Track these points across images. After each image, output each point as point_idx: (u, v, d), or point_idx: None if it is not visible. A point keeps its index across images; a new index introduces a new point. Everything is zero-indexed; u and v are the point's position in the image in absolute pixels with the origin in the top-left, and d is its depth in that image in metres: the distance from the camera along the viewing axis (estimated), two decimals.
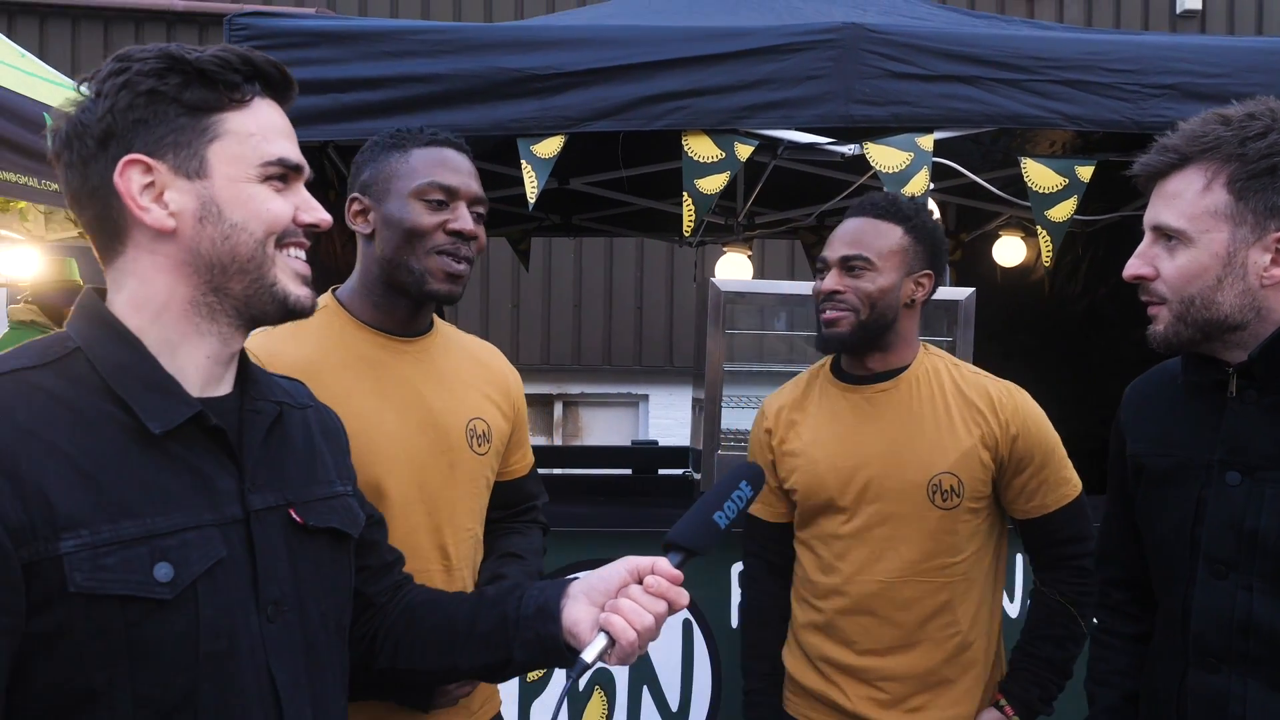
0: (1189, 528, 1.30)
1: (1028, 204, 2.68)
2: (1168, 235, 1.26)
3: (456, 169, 1.51)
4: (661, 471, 4.69)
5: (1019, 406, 1.76)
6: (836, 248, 1.78)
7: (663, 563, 1.11)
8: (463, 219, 1.49)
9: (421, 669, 1.21)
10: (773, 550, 1.92)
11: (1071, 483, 1.79)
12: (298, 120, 2.68)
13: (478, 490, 1.57)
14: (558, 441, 8.03)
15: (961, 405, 1.76)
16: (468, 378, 1.60)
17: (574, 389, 8.09)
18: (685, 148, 2.58)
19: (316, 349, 1.48)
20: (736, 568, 2.65)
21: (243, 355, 1.07)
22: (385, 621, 1.22)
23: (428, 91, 2.49)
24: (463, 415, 1.55)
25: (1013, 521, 1.83)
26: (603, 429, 8.26)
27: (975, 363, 1.91)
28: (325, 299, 1.54)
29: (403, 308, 1.52)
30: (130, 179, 0.95)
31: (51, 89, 3.69)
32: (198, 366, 1.00)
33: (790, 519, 1.89)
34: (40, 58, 5.04)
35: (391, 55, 2.48)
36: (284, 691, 0.99)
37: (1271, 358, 1.24)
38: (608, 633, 1.06)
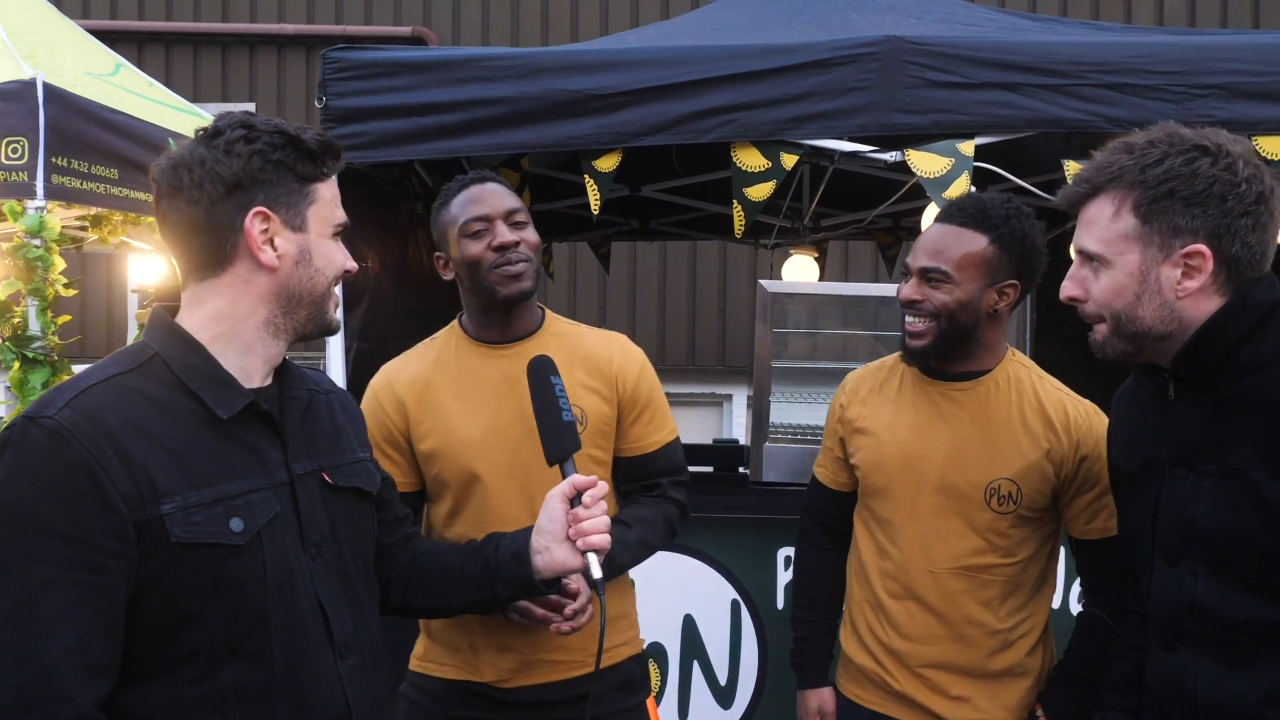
0: (1150, 521, 1.41)
1: None
2: (1090, 258, 1.37)
3: (482, 199, 1.79)
4: (742, 469, 4.86)
5: (1094, 429, 1.76)
6: (918, 256, 1.80)
7: (578, 479, 1.44)
8: (499, 234, 1.76)
9: (424, 606, 1.54)
10: (828, 514, 2.04)
11: None
12: (385, 142, 2.96)
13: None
14: None
15: (1036, 417, 1.78)
16: (567, 369, 1.76)
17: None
18: (734, 158, 2.75)
19: (430, 366, 1.85)
20: (784, 552, 2.81)
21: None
22: (396, 568, 1.51)
23: (496, 113, 2.73)
24: None
25: (1068, 537, 1.86)
26: (686, 428, 8.40)
27: (1054, 370, 1.93)
28: (453, 323, 1.90)
29: (496, 319, 1.82)
30: (256, 224, 1.24)
31: (174, 114, 4.11)
32: (256, 369, 1.29)
33: (849, 489, 1.97)
34: (165, 83, 5.54)
35: (464, 81, 2.73)
36: (329, 610, 1.28)
37: (1189, 361, 1.34)
38: (594, 550, 1.40)
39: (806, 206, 4.18)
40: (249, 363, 1.28)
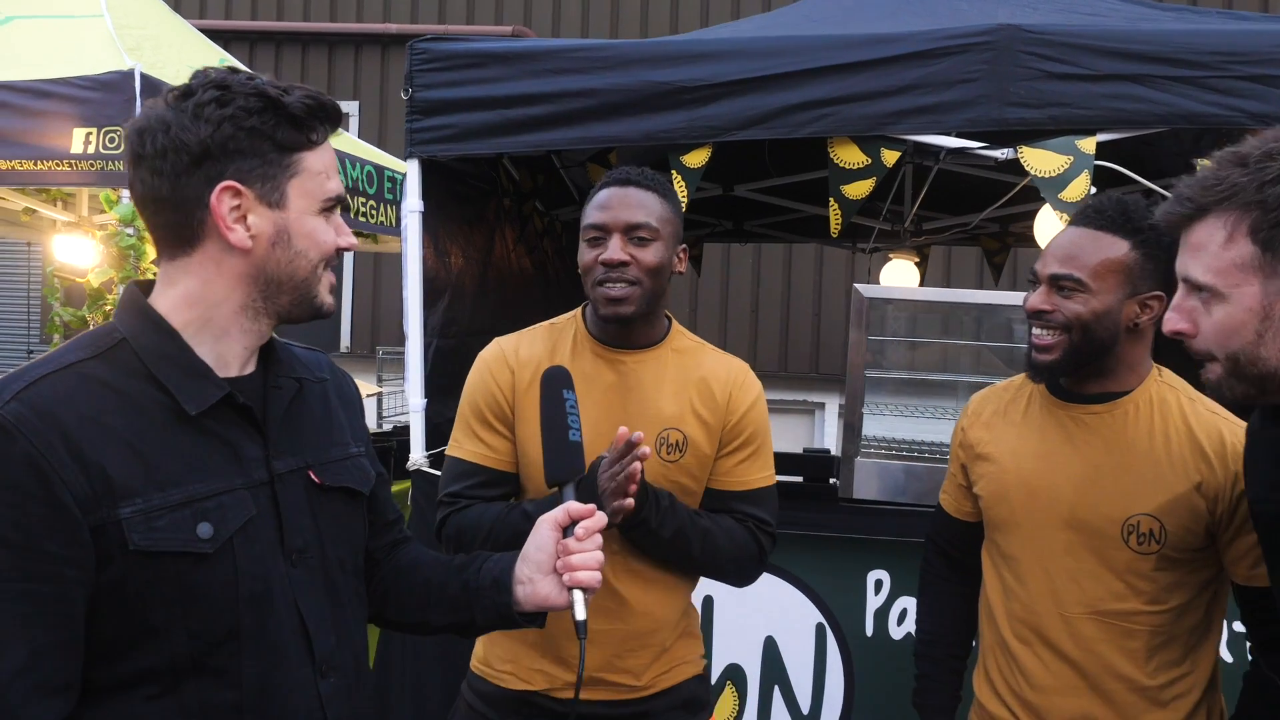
0: None
1: None
2: (1199, 288, 1.17)
3: (609, 205, 1.68)
4: (832, 480, 4.67)
5: None
6: (1048, 262, 1.60)
7: (574, 507, 1.27)
8: (610, 249, 1.65)
9: (400, 620, 1.38)
10: (953, 544, 1.88)
11: None
12: (470, 134, 2.90)
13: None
14: None
15: (1185, 445, 1.57)
16: (678, 391, 1.71)
17: (769, 396, 8.10)
18: (831, 154, 2.60)
19: (547, 352, 1.75)
20: (874, 575, 2.63)
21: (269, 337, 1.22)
22: (379, 574, 1.37)
23: (583, 106, 2.64)
24: (657, 424, 1.68)
25: (1232, 585, 1.60)
26: (776, 436, 8.22)
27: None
28: (576, 310, 1.80)
29: (611, 328, 1.72)
30: (224, 201, 1.09)
31: None
32: (235, 354, 1.16)
33: (975, 519, 1.80)
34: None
35: (551, 73, 2.65)
36: (310, 623, 1.16)
37: None
38: (579, 588, 1.24)
39: (908, 208, 3.97)
40: (226, 349, 1.14)
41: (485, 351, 1.80)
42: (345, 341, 7.86)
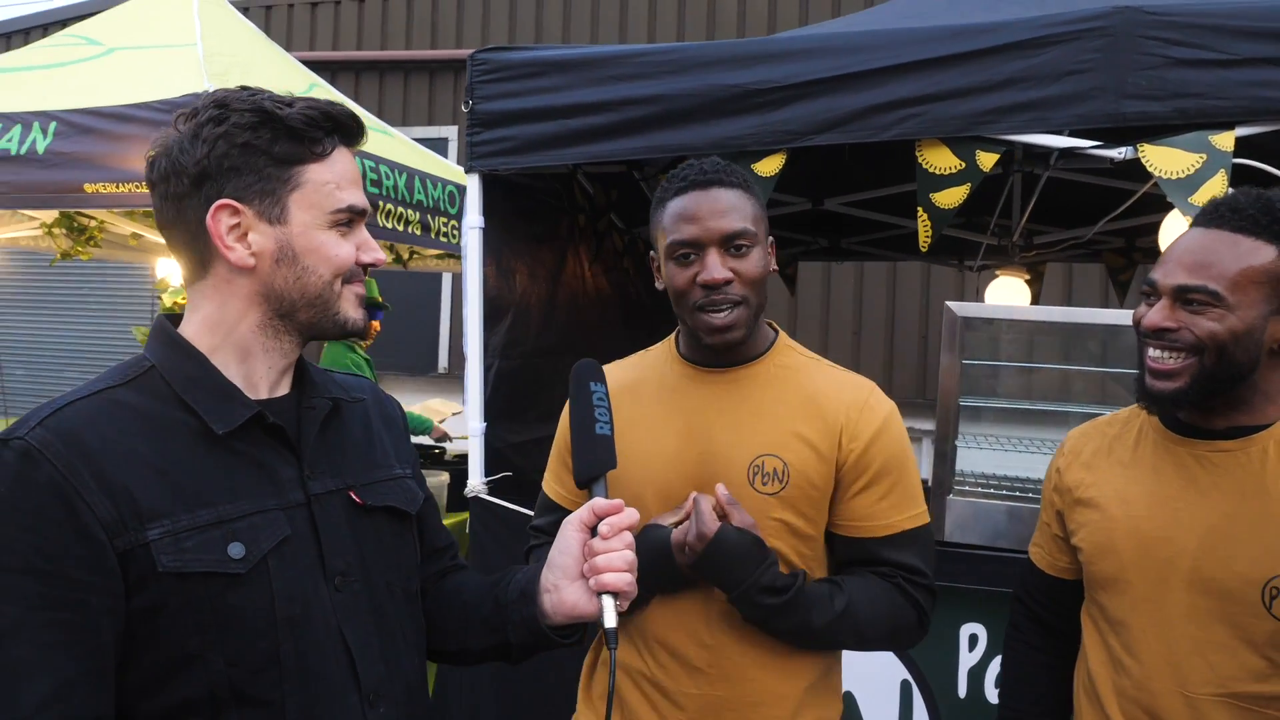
0: None
1: None
2: None
3: (698, 216, 1.43)
4: None
5: None
6: (1172, 270, 1.35)
7: (599, 503, 1.17)
8: (710, 268, 1.41)
9: (442, 649, 1.30)
10: (1044, 605, 1.62)
11: None
12: (531, 146, 2.78)
13: (765, 532, 1.43)
14: None
15: None
16: (778, 412, 1.47)
17: None
18: (919, 159, 2.35)
19: (637, 376, 1.57)
20: (968, 629, 2.34)
21: (300, 359, 1.18)
22: (425, 604, 1.28)
23: (649, 113, 2.48)
24: (750, 449, 1.45)
25: None
26: None
27: None
28: (670, 336, 1.60)
29: (704, 346, 1.49)
30: (220, 221, 1.07)
31: None
32: (262, 375, 1.13)
33: (1072, 576, 1.55)
34: (378, 107, 5.74)
35: (615, 79, 2.50)
36: (356, 650, 1.10)
37: None
38: (607, 592, 1.13)
39: (1016, 221, 3.64)
40: (252, 370, 1.12)
41: None
42: (443, 362, 7.90)
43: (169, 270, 4.25)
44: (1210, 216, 1.37)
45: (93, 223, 4.32)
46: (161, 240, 4.60)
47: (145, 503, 1.00)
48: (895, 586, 1.46)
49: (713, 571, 1.39)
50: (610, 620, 1.13)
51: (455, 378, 7.61)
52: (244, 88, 1.12)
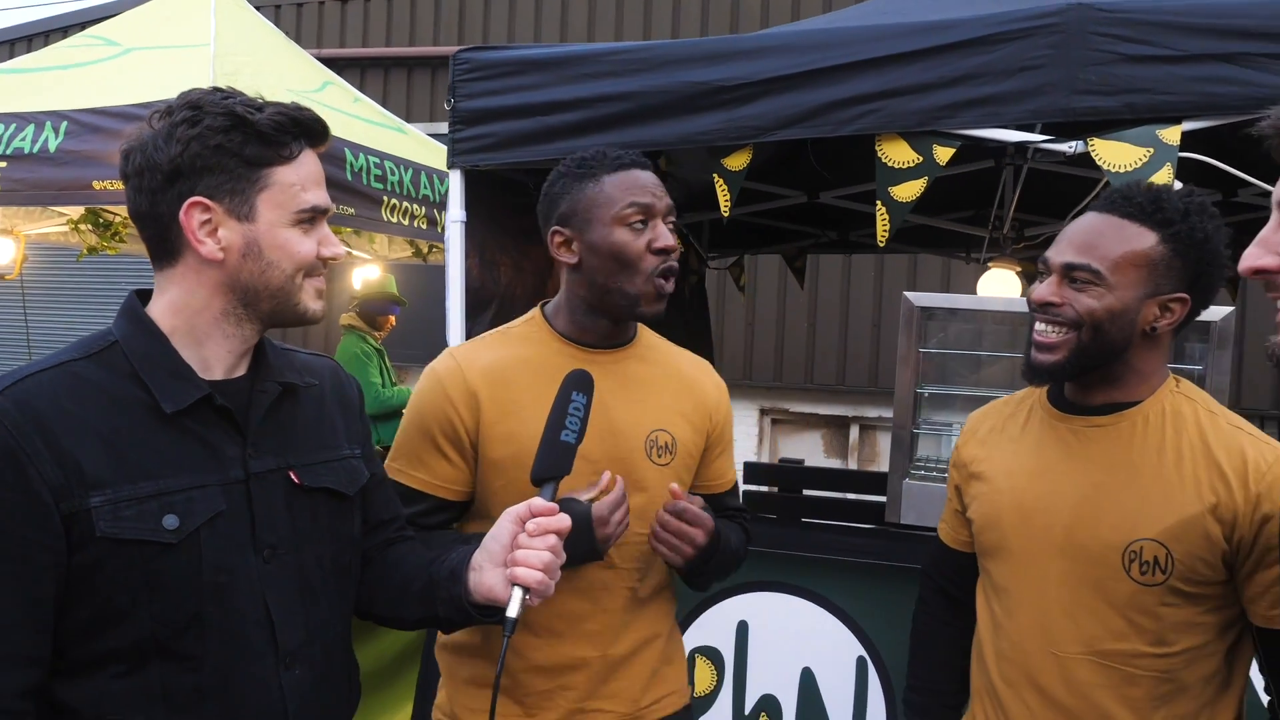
0: None
1: None
2: None
3: (647, 187, 1.56)
4: None
5: None
6: (1063, 249, 1.45)
7: (537, 502, 1.27)
8: (663, 235, 1.54)
9: (380, 615, 1.42)
10: (948, 578, 1.73)
11: None
12: (510, 143, 2.89)
13: (656, 498, 1.58)
14: (852, 465, 7.80)
15: (1200, 462, 1.40)
16: (661, 391, 1.64)
17: (871, 412, 7.80)
18: (878, 153, 2.42)
19: (511, 357, 1.60)
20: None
21: (260, 342, 1.28)
22: (369, 573, 1.41)
23: (623, 109, 2.57)
24: (645, 426, 1.59)
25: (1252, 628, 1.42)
26: (884, 454, 7.88)
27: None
28: (534, 313, 1.68)
29: (603, 326, 1.61)
30: (193, 216, 1.17)
31: (368, 128, 4.31)
32: (219, 358, 1.23)
33: (972, 550, 1.65)
34: (381, 103, 5.90)
35: (588, 77, 2.59)
36: (277, 616, 1.21)
37: None
38: (518, 584, 1.23)
39: (1005, 214, 3.68)
40: (209, 353, 1.21)
41: (438, 365, 1.63)
42: None
43: None
44: (1105, 202, 1.46)
45: (117, 218, 4.51)
46: None
47: (91, 471, 1.11)
48: (740, 525, 1.76)
49: (704, 557, 1.55)
50: (513, 610, 1.23)
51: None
52: (216, 89, 1.20)
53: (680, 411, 1.64)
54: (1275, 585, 1.33)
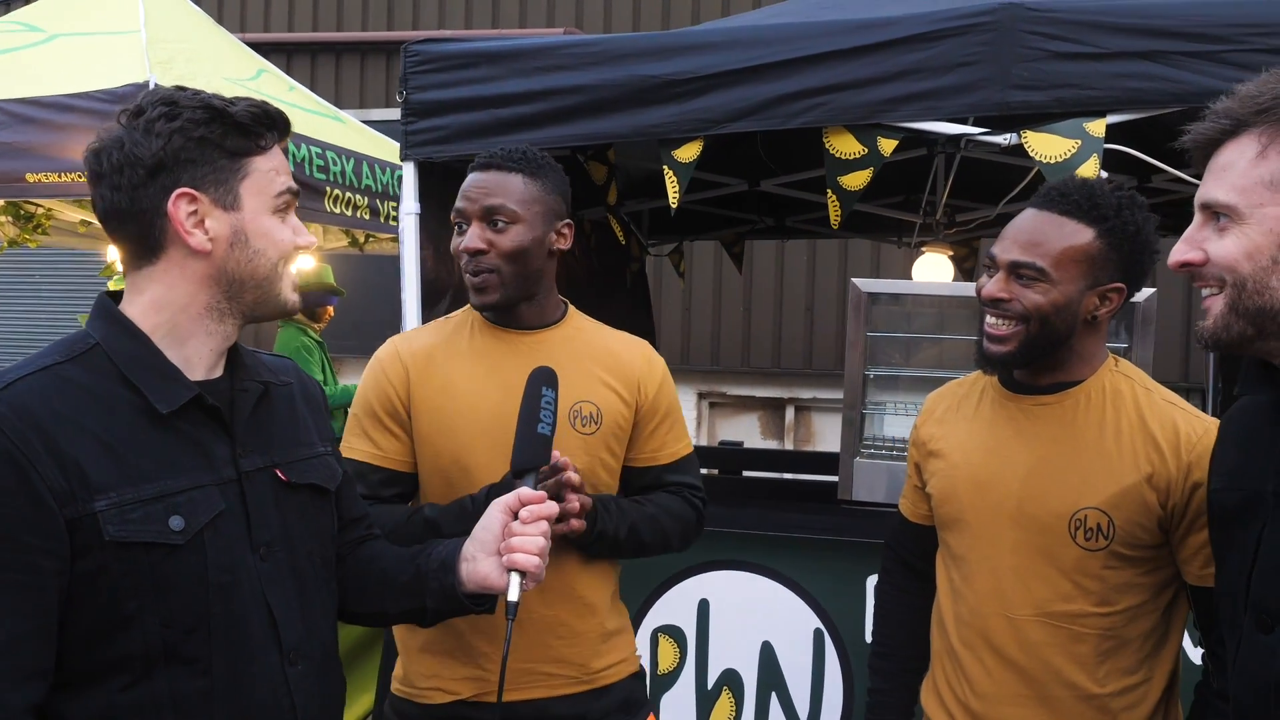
0: (1246, 573, 1.12)
1: None
2: (1217, 214, 1.09)
3: (468, 191, 1.67)
4: None
5: (1210, 450, 1.42)
6: (1008, 247, 1.53)
7: (525, 491, 1.33)
8: (469, 238, 1.65)
9: (360, 612, 1.43)
10: (910, 550, 1.82)
11: None
12: (462, 135, 2.91)
13: (583, 467, 1.67)
14: (789, 446, 7.97)
15: (1137, 436, 1.51)
16: (584, 364, 1.72)
17: (805, 394, 7.99)
18: (826, 144, 2.52)
19: (440, 341, 1.75)
20: (872, 580, 2.54)
21: (235, 344, 1.28)
22: (342, 570, 1.41)
23: (572, 103, 2.62)
24: (569, 397, 1.66)
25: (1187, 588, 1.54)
26: (835, 436, 8.08)
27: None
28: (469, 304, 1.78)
29: (519, 309, 1.71)
30: (180, 208, 1.16)
31: (306, 116, 4.26)
32: (200, 357, 1.22)
33: (931, 523, 1.74)
34: (311, 89, 5.81)
35: (540, 70, 2.63)
36: (278, 614, 1.22)
37: None
38: (516, 570, 1.29)
39: (939, 200, 3.83)
40: (192, 353, 1.21)
41: (380, 349, 1.79)
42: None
43: (117, 255, 4.32)
44: (1043, 199, 1.56)
45: (40, 210, 4.36)
46: None
47: (93, 475, 1.09)
48: (684, 499, 1.80)
49: (591, 531, 1.61)
50: (514, 595, 1.29)
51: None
52: (180, 88, 1.20)
53: (605, 384, 1.72)
54: (1206, 547, 1.43)
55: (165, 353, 1.18)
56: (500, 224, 1.64)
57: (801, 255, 7.68)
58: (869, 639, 2.52)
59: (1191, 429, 1.50)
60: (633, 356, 1.78)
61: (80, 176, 3.01)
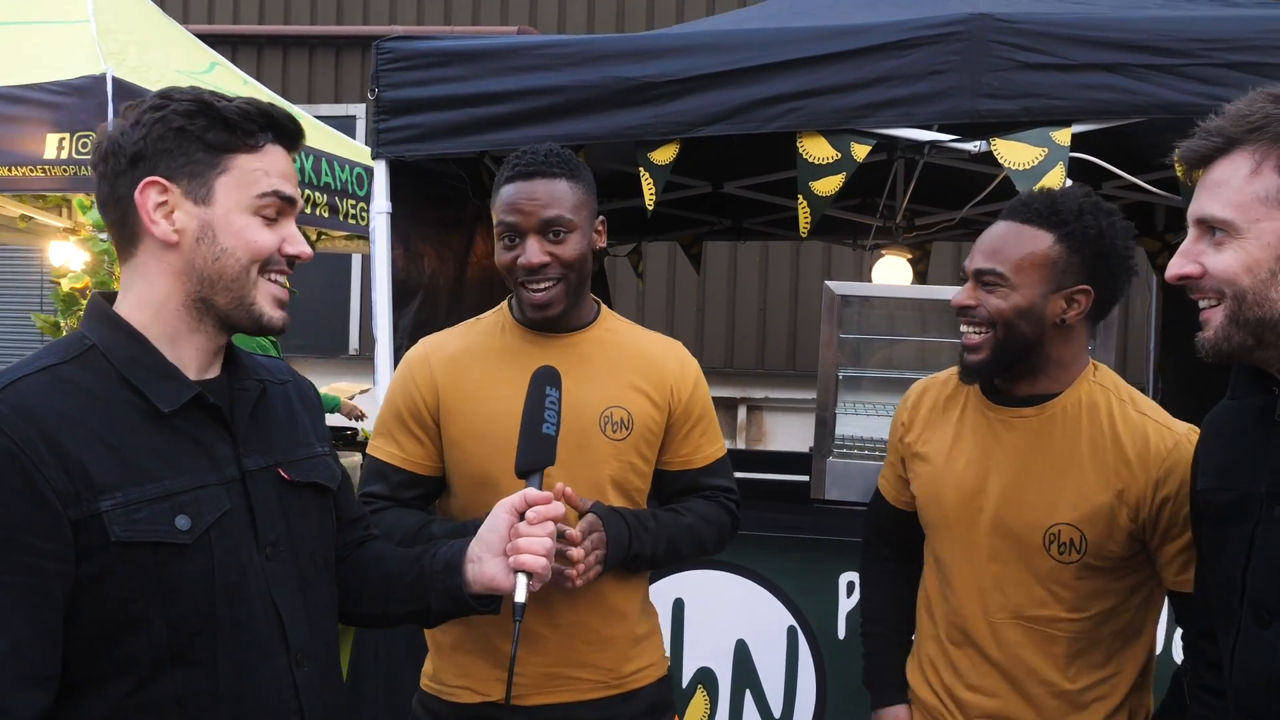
0: (1240, 571, 1.16)
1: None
2: (1213, 228, 1.13)
3: (517, 205, 1.61)
4: None
5: (1181, 461, 1.48)
6: (974, 257, 1.60)
7: (531, 491, 1.32)
8: (529, 253, 1.59)
9: (362, 613, 1.41)
10: (891, 530, 1.87)
11: None
12: (436, 134, 2.88)
13: (613, 473, 1.67)
14: (741, 445, 8.05)
15: (1109, 450, 1.54)
16: (617, 368, 1.70)
17: (758, 393, 8.07)
18: (799, 149, 2.55)
19: (470, 345, 1.72)
20: (846, 577, 2.58)
21: (229, 343, 1.26)
22: (343, 571, 1.39)
23: (549, 103, 2.61)
24: (599, 402, 1.66)
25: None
26: (786, 434, 8.18)
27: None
28: (502, 305, 1.78)
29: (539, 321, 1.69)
30: (148, 196, 1.14)
31: None
32: (191, 356, 1.19)
33: (910, 509, 1.79)
34: (261, 81, 5.70)
35: (516, 70, 2.62)
36: (285, 613, 1.20)
37: None
38: (522, 571, 1.27)
39: (899, 204, 3.91)
40: (181, 352, 1.18)
41: (411, 351, 1.77)
42: (354, 345, 7.88)
43: (66, 256, 4.18)
44: (1009, 210, 1.62)
45: None
46: (53, 223, 4.53)
47: (98, 475, 1.07)
48: (719, 505, 1.80)
49: (614, 562, 1.60)
50: (520, 596, 1.27)
51: (367, 359, 7.59)
52: (194, 88, 1.18)
53: (637, 388, 1.69)
54: (1180, 554, 1.50)
55: (162, 351, 1.17)
56: (559, 234, 1.61)
57: (755, 256, 7.75)
58: (842, 634, 2.59)
59: (1162, 441, 1.54)
60: (665, 359, 1.76)
61: (32, 170, 2.91)
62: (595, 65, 2.60)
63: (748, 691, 2.62)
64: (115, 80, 2.90)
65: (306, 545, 1.26)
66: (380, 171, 2.76)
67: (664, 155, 2.61)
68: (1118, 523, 1.53)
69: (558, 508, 1.32)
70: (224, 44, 7.65)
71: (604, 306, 1.78)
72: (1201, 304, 1.17)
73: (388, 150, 2.73)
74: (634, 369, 1.71)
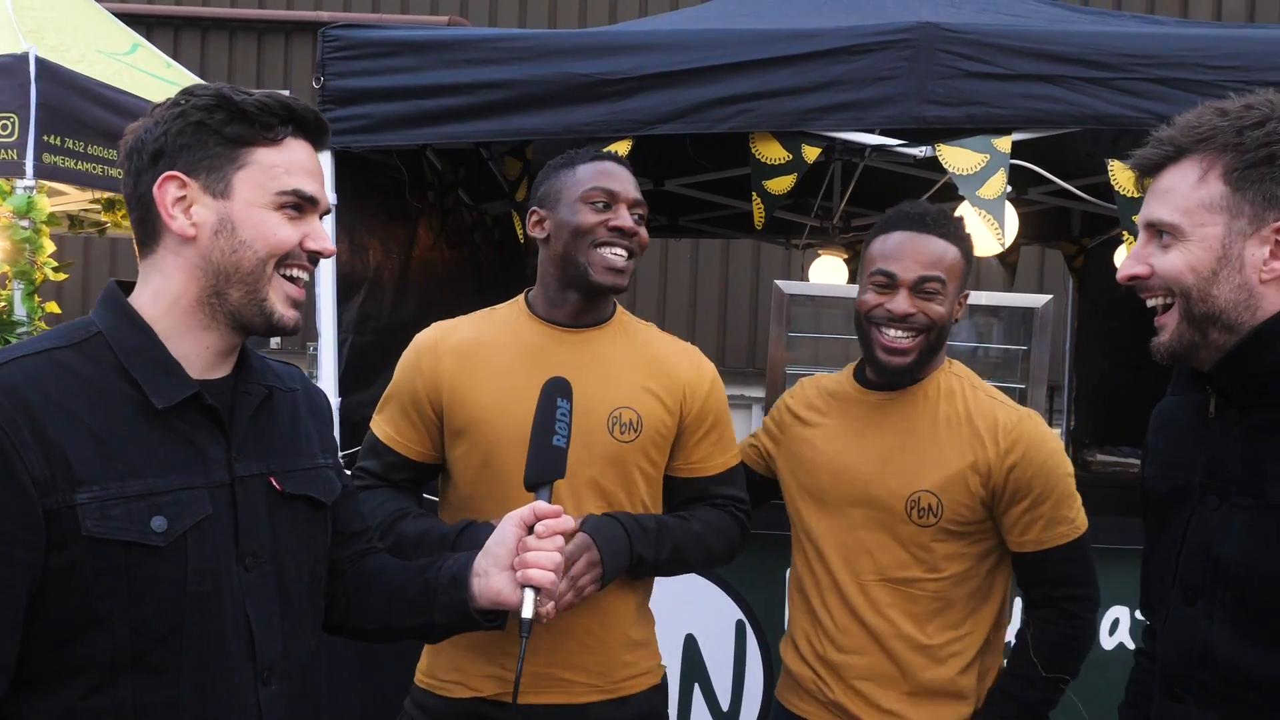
0: (1174, 555, 1.26)
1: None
2: (1161, 232, 1.21)
3: (616, 176, 1.69)
4: None
5: (1024, 436, 1.69)
6: (910, 266, 1.68)
7: (540, 505, 1.29)
8: (622, 217, 1.66)
9: (363, 628, 1.37)
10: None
11: (1074, 523, 1.72)
12: (385, 125, 2.82)
13: (618, 474, 1.66)
14: None
15: (963, 427, 1.73)
16: (630, 369, 1.69)
17: None
18: (752, 149, 2.59)
19: (484, 335, 1.72)
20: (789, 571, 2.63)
21: (244, 346, 1.23)
22: (343, 584, 1.36)
23: (501, 97, 2.59)
24: (609, 402, 1.65)
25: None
26: None
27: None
28: (519, 296, 1.77)
29: (572, 301, 1.69)
30: (166, 190, 1.13)
31: None
32: (199, 354, 1.17)
33: (763, 475, 1.92)
34: (181, 63, 5.50)
35: (469, 63, 2.59)
36: (256, 628, 1.16)
37: (1233, 369, 1.17)
38: (530, 586, 1.24)
39: (836, 205, 3.99)
40: (190, 349, 1.15)
41: (422, 335, 1.76)
42: (275, 338, 7.68)
43: None
44: (913, 221, 1.73)
45: None
46: None
47: (78, 466, 1.04)
48: (729, 514, 1.79)
49: (615, 571, 1.61)
50: (527, 611, 1.24)
51: (290, 353, 7.41)
52: (220, 85, 1.17)
53: (648, 390, 1.68)
54: (1021, 519, 1.70)
55: (168, 346, 1.14)
56: (639, 216, 1.69)
57: (685, 254, 7.80)
58: (786, 627, 2.64)
59: (1008, 418, 1.72)
60: (679, 362, 1.74)
61: None
62: (549, 60, 2.59)
63: (696, 686, 2.65)
64: (39, 60, 2.76)
65: (292, 559, 1.21)
66: (325, 162, 2.69)
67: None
68: (970, 489, 1.69)
69: (567, 521, 1.29)
70: (137, 24, 7.36)
71: (619, 305, 1.78)
72: (1150, 303, 1.25)
73: (334, 140, 2.65)
74: (646, 370, 1.70)
